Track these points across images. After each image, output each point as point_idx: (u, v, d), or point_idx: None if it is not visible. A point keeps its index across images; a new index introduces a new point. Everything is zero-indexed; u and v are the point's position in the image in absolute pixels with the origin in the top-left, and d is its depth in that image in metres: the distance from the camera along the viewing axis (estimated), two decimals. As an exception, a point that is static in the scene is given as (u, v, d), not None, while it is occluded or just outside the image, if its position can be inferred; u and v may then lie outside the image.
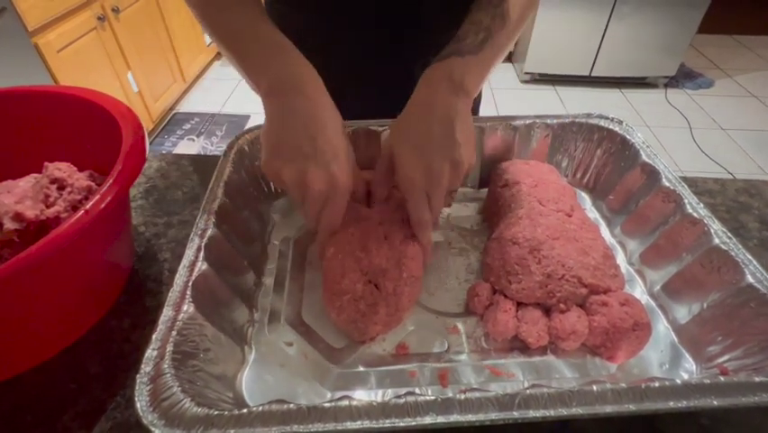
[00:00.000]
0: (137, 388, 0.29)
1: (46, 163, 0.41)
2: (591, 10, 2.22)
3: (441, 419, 0.27)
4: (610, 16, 2.24)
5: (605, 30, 2.29)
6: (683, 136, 2.16)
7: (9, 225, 0.36)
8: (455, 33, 0.45)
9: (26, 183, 0.40)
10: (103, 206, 0.33)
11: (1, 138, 0.46)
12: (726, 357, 0.35)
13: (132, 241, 0.48)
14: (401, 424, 0.27)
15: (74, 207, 0.40)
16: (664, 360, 0.38)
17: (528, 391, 0.28)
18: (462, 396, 0.28)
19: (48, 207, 0.38)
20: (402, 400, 0.28)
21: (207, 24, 0.45)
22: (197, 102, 2.41)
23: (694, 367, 0.37)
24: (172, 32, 2.19)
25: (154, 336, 0.31)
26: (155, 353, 0.30)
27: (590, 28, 2.29)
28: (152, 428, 0.27)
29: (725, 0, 2.31)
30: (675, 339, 0.39)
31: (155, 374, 0.29)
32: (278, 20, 0.61)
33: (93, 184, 0.42)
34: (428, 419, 0.27)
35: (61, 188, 0.40)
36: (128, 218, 0.45)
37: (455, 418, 0.27)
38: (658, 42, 2.30)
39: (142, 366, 0.30)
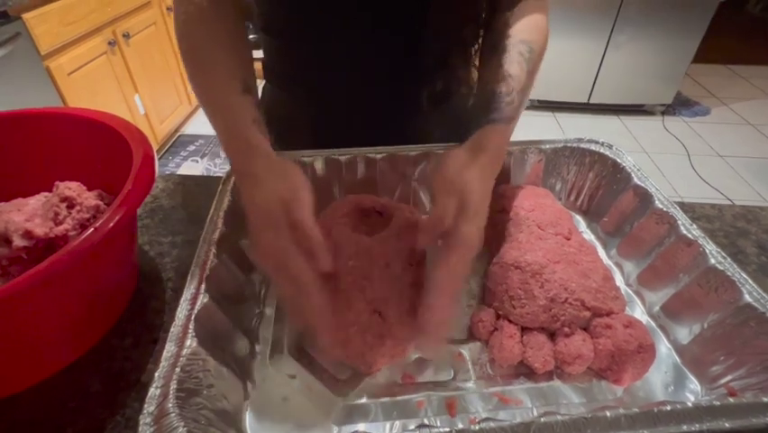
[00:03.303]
0: (140, 429, 0.28)
1: (57, 182, 0.42)
2: (588, 39, 2.30)
3: (456, 451, 0.27)
4: (607, 45, 2.31)
5: (602, 58, 2.36)
6: (681, 163, 2.19)
7: (18, 242, 0.37)
8: (458, 67, 0.46)
9: (36, 201, 0.41)
10: (111, 225, 0.33)
11: (15, 157, 0.46)
12: (730, 377, 0.35)
13: (138, 260, 0.49)
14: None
15: (82, 226, 0.40)
16: (669, 382, 0.38)
17: (542, 420, 0.28)
18: (477, 426, 0.28)
19: (57, 225, 0.39)
20: None
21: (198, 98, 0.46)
22: (202, 124, 2.45)
23: (699, 388, 0.37)
24: (180, 56, 2.25)
25: (157, 374, 0.30)
26: (158, 391, 0.29)
27: (588, 56, 2.36)
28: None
29: (719, 31, 2.38)
30: (678, 360, 0.39)
31: (159, 414, 0.28)
32: (276, 48, 0.62)
33: (101, 203, 0.43)
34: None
35: (71, 206, 0.41)
36: (135, 238, 0.46)
37: (471, 449, 0.27)
38: (654, 71, 2.37)
39: (145, 406, 0.29)
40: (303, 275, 0.34)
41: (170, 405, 0.29)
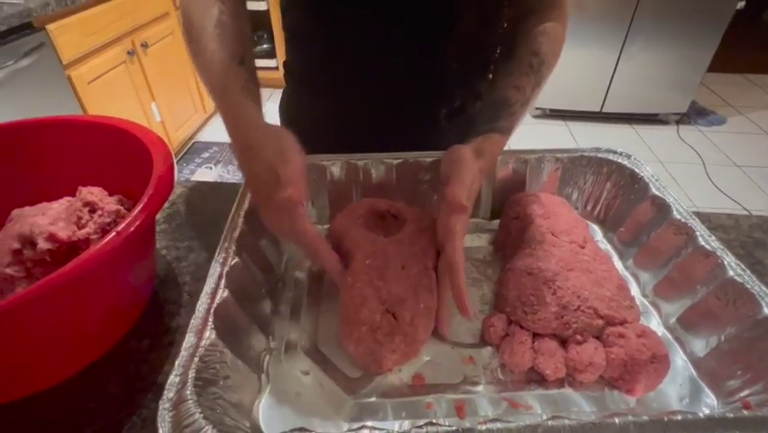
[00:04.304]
0: (159, 414, 0.29)
1: (80, 187, 0.43)
2: (601, 48, 2.28)
3: (462, 449, 0.27)
4: (620, 55, 2.30)
5: (615, 68, 2.34)
6: (697, 172, 2.16)
7: (43, 244, 0.38)
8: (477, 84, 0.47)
9: (60, 206, 0.43)
10: (132, 229, 0.34)
11: (40, 163, 0.48)
12: (747, 391, 0.35)
13: (155, 264, 0.50)
14: (422, 454, 0.27)
15: (103, 230, 0.42)
16: (684, 394, 0.37)
17: (549, 423, 0.28)
18: (483, 426, 0.28)
19: (79, 228, 0.40)
20: (423, 430, 0.28)
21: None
22: (216, 132, 2.49)
23: (715, 402, 0.36)
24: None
25: (177, 363, 0.32)
26: (177, 379, 0.31)
27: (600, 66, 2.35)
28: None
29: (734, 40, 2.35)
30: (694, 373, 0.39)
31: (177, 400, 0.30)
32: (302, 59, 0.64)
33: (122, 208, 0.44)
34: (450, 449, 0.27)
35: (93, 211, 0.42)
36: (153, 242, 0.47)
37: (476, 448, 0.27)
38: (668, 80, 2.35)
39: (165, 392, 0.30)
40: (308, 240, 0.39)
41: (188, 392, 0.30)
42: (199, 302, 0.36)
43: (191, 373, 0.31)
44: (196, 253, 0.52)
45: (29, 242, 0.39)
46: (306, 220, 0.39)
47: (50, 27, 1.40)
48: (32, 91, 1.37)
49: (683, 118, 2.53)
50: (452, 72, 0.58)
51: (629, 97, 2.44)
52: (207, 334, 0.34)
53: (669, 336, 0.42)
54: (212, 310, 0.35)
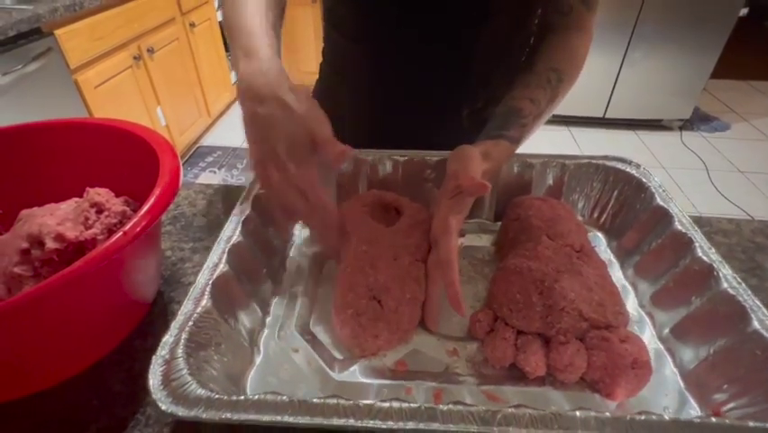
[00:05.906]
0: (151, 368, 0.32)
1: (87, 188, 0.44)
2: (604, 54, 2.28)
3: (422, 426, 0.29)
4: (623, 61, 2.30)
5: (618, 74, 2.34)
6: (700, 178, 2.14)
7: (51, 244, 0.39)
8: (498, 89, 0.49)
9: (68, 206, 0.43)
10: (138, 229, 0.35)
11: (48, 165, 0.49)
12: (731, 405, 0.34)
13: (161, 264, 0.50)
14: (383, 426, 0.29)
15: (110, 230, 0.42)
16: (669, 405, 0.37)
17: (511, 410, 0.29)
18: (446, 407, 0.29)
19: (87, 229, 0.41)
20: (387, 405, 0.30)
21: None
22: (220, 136, 2.52)
23: (699, 414, 0.36)
24: (201, 70, 2.33)
25: (173, 324, 0.34)
26: (171, 339, 0.33)
27: (603, 72, 2.34)
28: (160, 404, 0.30)
29: (738, 46, 2.35)
30: (682, 385, 0.38)
31: (169, 357, 0.32)
32: (333, 49, 0.66)
33: (128, 209, 0.45)
34: (410, 425, 0.29)
35: (99, 211, 0.43)
36: (158, 243, 0.47)
37: (436, 426, 0.29)
38: (671, 87, 2.33)
39: (159, 350, 0.33)
40: (325, 211, 0.40)
41: (180, 351, 0.33)
42: (200, 275, 0.39)
43: (184, 335, 0.33)
44: (200, 254, 0.53)
45: (37, 242, 0.39)
46: (322, 189, 0.40)
47: (58, 32, 1.42)
48: (39, 95, 1.39)
49: (686, 124, 2.51)
50: (478, 71, 0.59)
51: (632, 103, 2.42)
52: (204, 302, 0.36)
53: (661, 346, 0.41)
54: (210, 282, 0.38)
